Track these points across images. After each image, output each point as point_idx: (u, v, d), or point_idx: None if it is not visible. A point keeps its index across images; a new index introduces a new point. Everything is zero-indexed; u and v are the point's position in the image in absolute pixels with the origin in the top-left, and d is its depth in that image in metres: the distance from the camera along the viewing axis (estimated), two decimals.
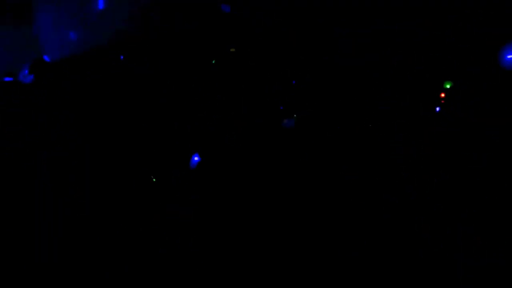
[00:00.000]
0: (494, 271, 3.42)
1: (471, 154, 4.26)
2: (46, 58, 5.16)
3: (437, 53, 4.64)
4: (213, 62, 5.36)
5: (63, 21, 5.32)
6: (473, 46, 4.38)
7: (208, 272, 3.58)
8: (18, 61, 5.18)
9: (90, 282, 3.49)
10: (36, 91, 4.81)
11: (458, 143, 4.36)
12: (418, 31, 4.75)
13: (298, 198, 4.87)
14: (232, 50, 4.89)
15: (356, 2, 5.41)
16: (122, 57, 5.37)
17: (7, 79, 5.05)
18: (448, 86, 4.68)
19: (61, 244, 3.94)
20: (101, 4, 5.38)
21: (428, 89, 4.61)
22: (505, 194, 3.99)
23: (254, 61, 5.86)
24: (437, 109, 4.71)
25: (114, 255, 3.83)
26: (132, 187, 4.85)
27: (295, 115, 4.94)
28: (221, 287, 3.49)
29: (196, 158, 5.12)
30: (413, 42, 4.76)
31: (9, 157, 4.48)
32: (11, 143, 4.53)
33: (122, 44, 5.36)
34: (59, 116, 4.84)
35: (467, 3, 4.41)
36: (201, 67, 5.75)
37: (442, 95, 4.90)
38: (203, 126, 5.54)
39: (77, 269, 3.60)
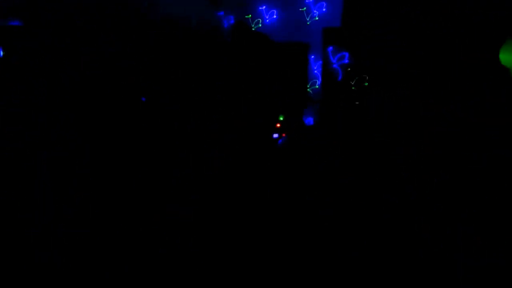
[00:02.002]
0: (494, 271, 3.41)
1: (471, 154, 4.27)
2: None
3: (437, 53, 4.65)
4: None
5: None
6: (472, 46, 4.39)
7: (208, 272, 3.58)
8: None
9: (90, 282, 3.48)
10: (35, 91, 4.82)
11: (458, 143, 4.37)
12: (419, 31, 4.77)
13: (298, 198, 4.87)
14: None
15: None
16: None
17: None
18: (281, 118, 5.33)
19: (61, 244, 3.94)
20: None
21: (428, 89, 4.62)
22: (505, 194, 3.99)
23: (254, 61, 5.87)
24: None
25: (114, 255, 3.82)
26: (132, 187, 4.85)
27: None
28: (221, 287, 3.48)
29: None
30: (413, 42, 4.78)
31: (9, 157, 4.49)
32: (11, 143, 4.53)
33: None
34: (59, 116, 4.84)
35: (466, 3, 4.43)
36: (201, 67, 5.76)
37: (278, 125, 5.45)
38: (203, 126, 5.54)
39: (77, 269, 3.60)
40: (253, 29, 6.03)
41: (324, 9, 5.98)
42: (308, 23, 6.03)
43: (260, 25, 5.92)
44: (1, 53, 5.10)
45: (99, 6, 5.48)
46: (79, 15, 5.39)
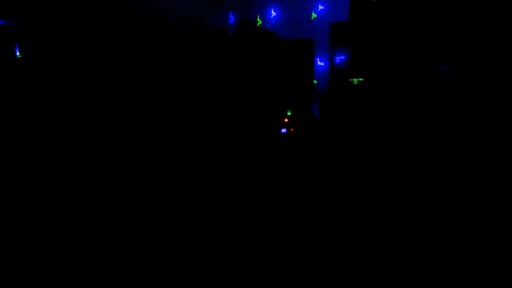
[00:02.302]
0: (494, 271, 3.43)
1: (471, 154, 4.28)
2: None
3: (439, 52, 4.65)
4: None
5: None
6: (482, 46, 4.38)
7: (208, 272, 3.57)
8: None
9: (90, 282, 3.48)
10: (36, 91, 4.79)
11: (458, 143, 4.38)
12: (421, 30, 4.76)
13: (298, 199, 4.87)
14: None
15: None
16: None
17: None
18: (289, 113, 5.43)
19: (61, 244, 3.93)
20: None
21: (428, 91, 4.63)
22: (505, 194, 4.01)
23: (259, 57, 5.84)
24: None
25: (114, 255, 3.82)
26: (132, 187, 4.83)
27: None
28: (221, 287, 3.48)
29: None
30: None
31: (9, 157, 4.47)
32: (11, 142, 4.50)
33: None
34: (59, 116, 4.82)
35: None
36: (206, 65, 5.72)
37: (286, 120, 5.52)
38: (203, 126, 5.53)
39: (77, 269, 3.59)
40: (257, 25, 5.99)
41: (322, 7, 5.98)
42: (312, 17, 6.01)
43: (260, 21, 5.87)
44: (17, 52, 5.03)
45: (102, 5, 5.41)
46: (85, 16, 5.33)
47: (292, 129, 5.58)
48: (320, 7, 5.94)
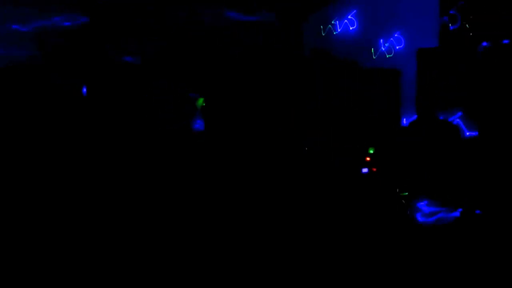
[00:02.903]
0: (494, 271, 3.41)
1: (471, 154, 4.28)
2: None
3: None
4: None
5: None
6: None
7: (208, 272, 3.57)
8: None
9: (90, 282, 3.48)
10: (36, 91, 4.84)
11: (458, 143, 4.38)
12: None
13: (297, 199, 4.86)
14: None
15: None
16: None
17: None
18: (371, 151, 4.98)
19: (61, 244, 3.95)
20: None
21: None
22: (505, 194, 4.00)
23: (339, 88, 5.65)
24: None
25: (114, 255, 3.82)
26: (132, 187, 4.85)
27: None
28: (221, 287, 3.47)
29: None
30: None
31: (9, 157, 4.50)
32: (11, 143, 4.55)
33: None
34: (59, 116, 4.86)
35: None
36: (204, 71, 5.75)
37: (368, 158, 4.96)
38: (204, 126, 5.55)
39: (77, 269, 3.60)
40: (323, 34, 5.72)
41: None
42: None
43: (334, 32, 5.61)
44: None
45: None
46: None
47: (374, 169, 4.97)
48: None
